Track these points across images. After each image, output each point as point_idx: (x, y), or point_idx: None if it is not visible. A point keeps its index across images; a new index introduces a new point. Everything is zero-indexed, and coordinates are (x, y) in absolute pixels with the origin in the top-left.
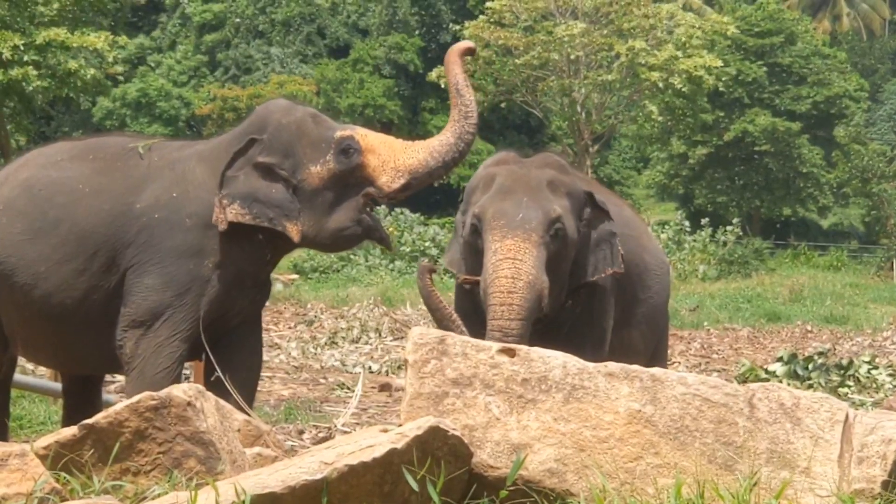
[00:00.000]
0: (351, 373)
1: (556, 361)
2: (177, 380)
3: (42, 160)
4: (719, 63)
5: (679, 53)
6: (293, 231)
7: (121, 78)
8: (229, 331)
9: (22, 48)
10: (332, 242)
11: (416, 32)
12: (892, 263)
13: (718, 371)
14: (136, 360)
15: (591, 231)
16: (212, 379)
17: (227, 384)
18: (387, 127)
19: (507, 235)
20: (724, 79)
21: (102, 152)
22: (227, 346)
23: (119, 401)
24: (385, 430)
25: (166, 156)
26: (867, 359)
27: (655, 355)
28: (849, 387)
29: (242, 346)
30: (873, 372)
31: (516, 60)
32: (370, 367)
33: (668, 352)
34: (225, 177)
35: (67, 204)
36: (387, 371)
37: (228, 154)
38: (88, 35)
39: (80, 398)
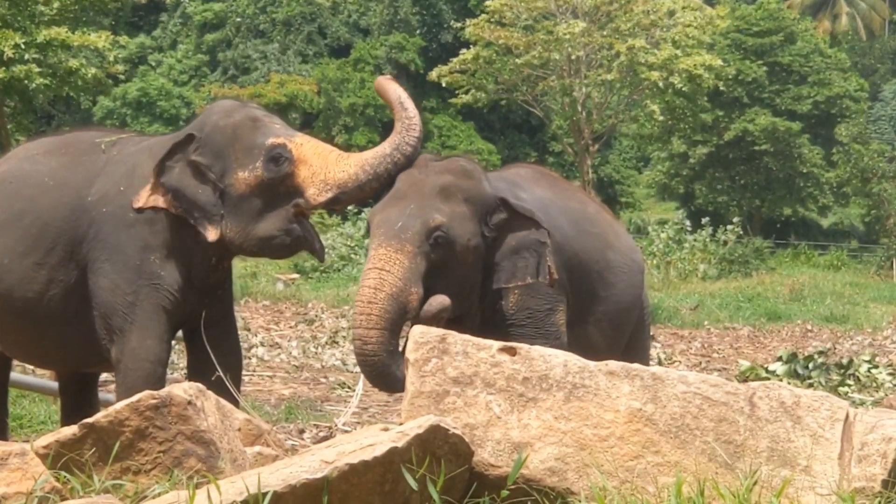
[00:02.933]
0: (352, 372)
1: (556, 360)
2: (160, 380)
3: (22, 153)
4: (719, 62)
5: (678, 52)
6: (211, 234)
7: (121, 77)
8: (198, 335)
9: (23, 47)
10: (259, 250)
11: (418, 32)
12: (893, 263)
13: (719, 370)
14: (119, 366)
15: (505, 236)
16: (213, 378)
17: (229, 384)
18: (388, 126)
19: (382, 244)
20: (723, 78)
21: (74, 147)
22: (202, 350)
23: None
24: (386, 429)
25: (124, 150)
26: (867, 358)
27: (630, 355)
28: (849, 386)
29: (217, 349)
30: (873, 371)
31: (517, 60)
32: None
33: (670, 351)
34: (164, 164)
35: (33, 197)
36: None
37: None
38: (89, 34)
39: (77, 397)
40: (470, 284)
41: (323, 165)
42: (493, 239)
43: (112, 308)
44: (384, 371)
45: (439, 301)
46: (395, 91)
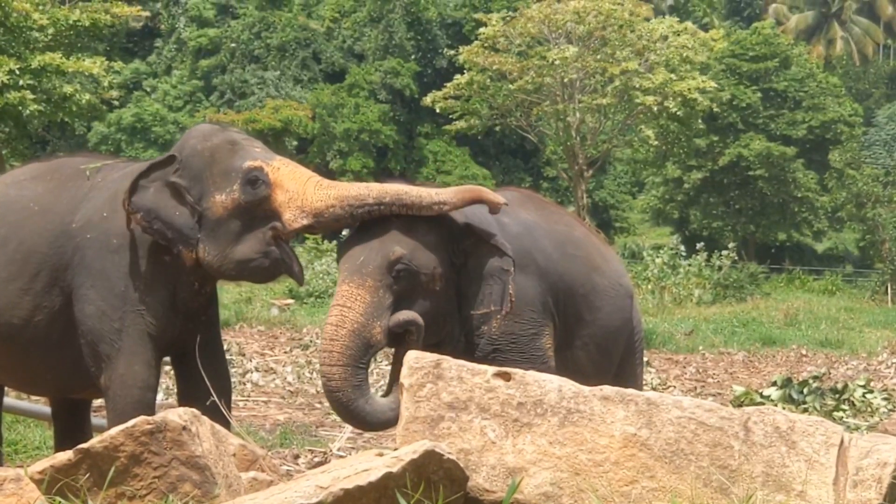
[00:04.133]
0: None
1: (551, 385)
2: (149, 405)
3: (9, 179)
4: (713, 85)
5: (672, 76)
6: (186, 257)
7: (116, 102)
8: (186, 360)
9: (17, 73)
10: (237, 273)
11: (412, 57)
12: (887, 287)
13: (714, 395)
14: (108, 393)
15: (475, 262)
16: (207, 403)
17: (222, 408)
18: (382, 152)
19: (346, 280)
20: (717, 101)
21: (60, 173)
22: (190, 377)
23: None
24: (381, 454)
25: (108, 176)
26: (862, 382)
27: (621, 380)
28: (844, 410)
29: (206, 373)
30: (868, 396)
31: (510, 86)
32: None
33: (665, 376)
34: (137, 184)
35: (17, 223)
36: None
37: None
38: (84, 60)
39: (69, 422)
40: (443, 311)
41: (300, 191)
42: (462, 265)
43: (99, 335)
44: (349, 406)
45: (406, 314)
46: (474, 198)
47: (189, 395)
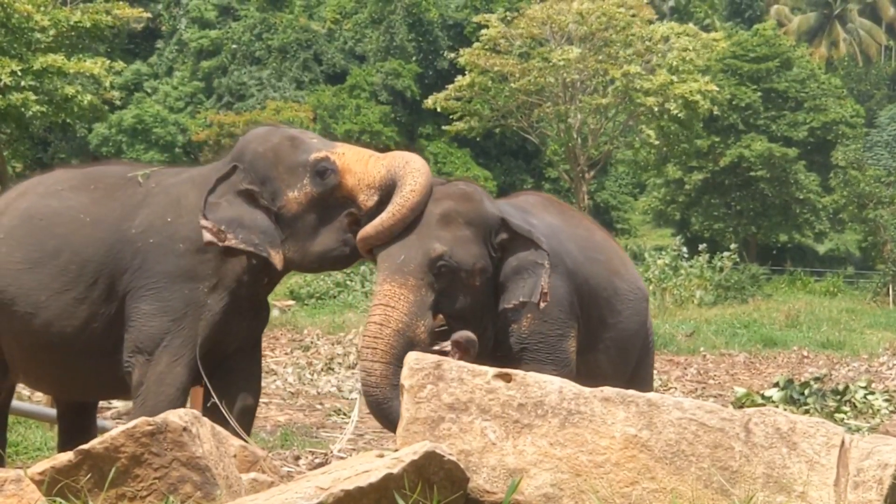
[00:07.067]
0: (347, 398)
1: (552, 386)
2: (181, 407)
3: (42, 189)
4: (714, 87)
5: (674, 78)
6: (276, 259)
7: (117, 104)
8: (228, 357)
9: (19, 74)
10: (319, 266)
11: (413, 59)
12: (889, 289)
13: (715, 396)
14: (140, 389)
15: (508, 256)
16: (208, 405)
17: (223, 410)
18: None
19: (387, 280)
20: (717, 103)
21: (103, 182)
22: (227, 373)
23: (115, 426)
24: (381, 456)
25: (162, 182)
26: (863, 384)
27: (634, 382)
28: (845, 412)
29: (241, 373)
30: (869, 397)
31: (512, 85)
32: None
33: (666, 377)
34: (207, 202)
35: (67, 234)
36: None
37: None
38: (85, 61)
39: (75, 424)
40: (481, 306)
41: (364, 170)
42: (499, 259)
43: (146, 332)
44: (383, 404)
45: (465, 334)
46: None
47: (221, 394)
